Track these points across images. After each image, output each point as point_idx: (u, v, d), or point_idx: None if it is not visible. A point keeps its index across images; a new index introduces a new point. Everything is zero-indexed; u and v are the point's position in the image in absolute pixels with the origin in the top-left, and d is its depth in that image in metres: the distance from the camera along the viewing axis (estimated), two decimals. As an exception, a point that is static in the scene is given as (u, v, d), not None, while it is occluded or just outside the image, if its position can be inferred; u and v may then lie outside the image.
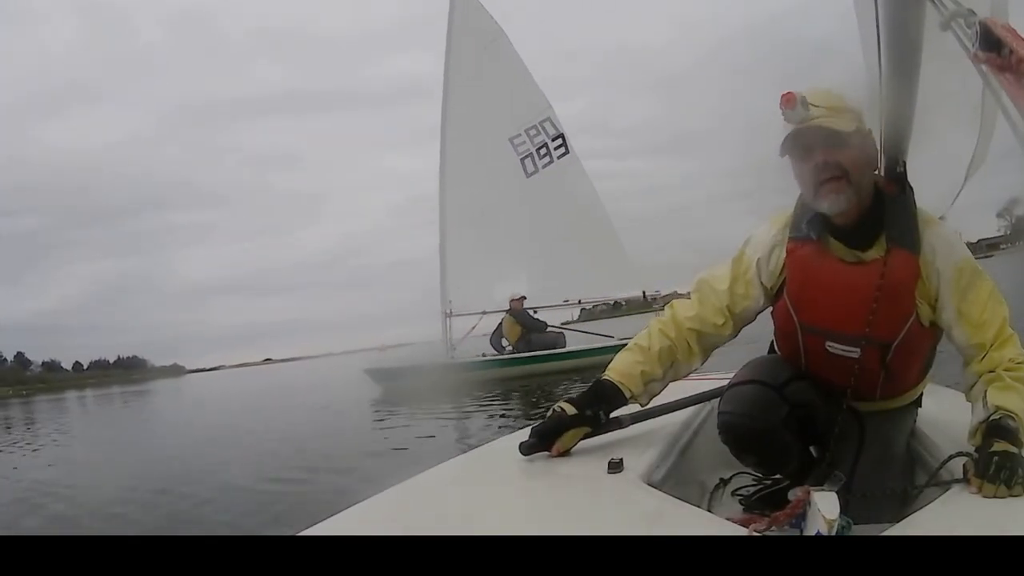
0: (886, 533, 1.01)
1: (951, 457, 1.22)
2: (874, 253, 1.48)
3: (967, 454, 1.20)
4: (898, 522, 1.08)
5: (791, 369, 1.60)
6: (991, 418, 1.28)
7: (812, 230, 1.52)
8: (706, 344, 1.66)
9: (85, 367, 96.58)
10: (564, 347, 12.37)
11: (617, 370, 1.61)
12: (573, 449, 1.52)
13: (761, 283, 1.61)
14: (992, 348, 1.40)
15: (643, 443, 1.58)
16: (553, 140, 14.22)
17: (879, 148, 1.55)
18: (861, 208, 1.47)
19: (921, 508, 1.11)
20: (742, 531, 1.03)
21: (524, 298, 12.65)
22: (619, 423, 1.63)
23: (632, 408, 1.67)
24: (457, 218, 14.08)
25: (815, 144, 1.42)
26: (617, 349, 1.69)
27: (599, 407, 1.56)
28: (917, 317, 1.47)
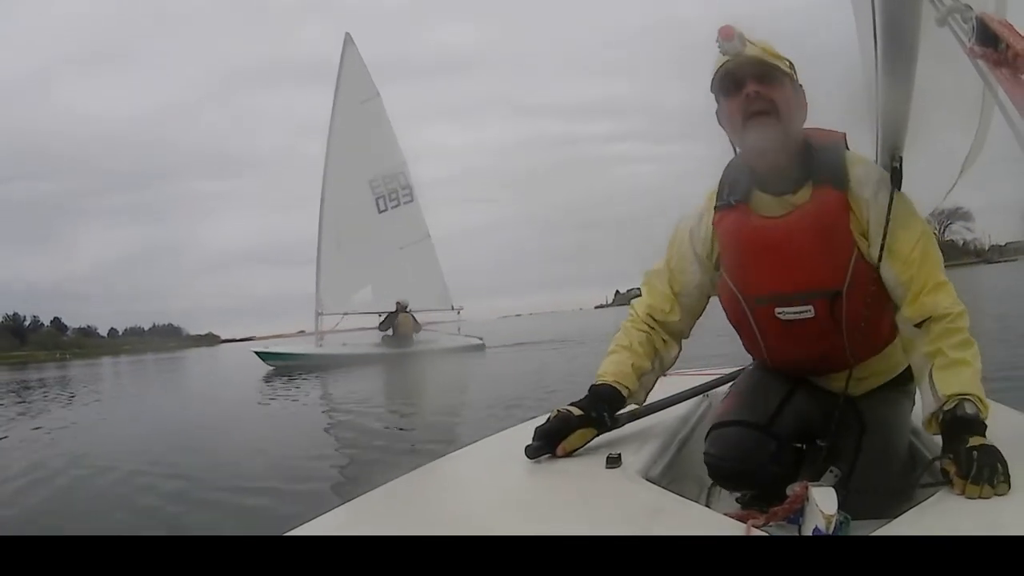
0: (880, 531, 1.01)
1: (940, 458, 1.20)
2: (801, 197, 1.45)
3: (948, 456, 1.16)
4: (894, 518, 1.08)
5: (778, 391, 1.57)
6: (946, 409, 1.25)
7: (734, 195, 1.50)
8: (671, 331, 1.65)
9: (120, 333, 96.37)
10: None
11: (609, 372, 1.59)
12: None
13: (695, 254, 1.58)
14: (924, 293, 1.38)
15: (641, 438, 1.58)
16: (403, 189, 19.33)
17: (876, 142, 1.55)
18: (788, 154, 1.44)
19: (918, 504, 1.11)
20: (740, 526, 1.03)
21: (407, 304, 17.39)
22: (616, 422, 1.62)
23: (629, 406, 1.67)
24: (329, 235, 18.67)
25: (747, 76, 1.40)
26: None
27: (603, 408, 1.54)
28: (860, 255, 1.43)
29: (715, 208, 1.53)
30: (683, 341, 1.69)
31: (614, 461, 1.37)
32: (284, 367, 15.57)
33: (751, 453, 1.46)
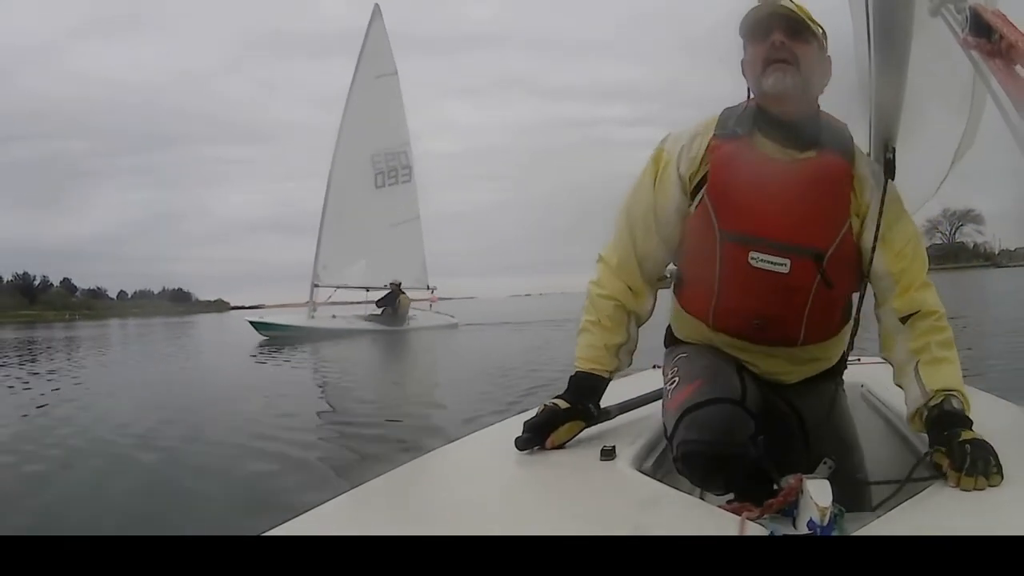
0: (876, 523, 1.02)
1: (932, 451, 1.20)
2: (807, 155, 1.41)
3: (940, 449, 1.16)
4: (882, 511, 1.08)
5: (734, 370, 1.47)
6: (934, 403, 1.26)
7: (740, 126, 1.44)
8: (646, 271, 1.54)
9: (130, 296, 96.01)
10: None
11: (583, 358, 1.55)
12: None
13: (679, 174, 1.47)
14: (914, 288, 1.38)
15: (635, 431, 1.58)
16: (403, 168, 20.05)
17: (868, 132, 1.55)
18: (802, 109, 1.42)
19: (911, 497, 1.11)
20: (734, 519, 1.03)
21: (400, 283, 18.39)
22: (607, 414, 1.61)
23: (621, 397, 1.67)
24: (332, 208, 19.18)
25: (776, 25, 1.38)
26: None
27: (587, 399, 1.53)
28: (850, 231, 1.40)
29: (715, 134, 1.47)
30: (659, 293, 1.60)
31: (608, 453, 1.37)
32: (279, 338, 15.89)
33: (735, 432, 1.31)
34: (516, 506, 1.23)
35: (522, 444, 1.45)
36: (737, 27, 1.44)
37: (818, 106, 1.47)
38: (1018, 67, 0.91)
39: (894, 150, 1.54)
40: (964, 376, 1.33)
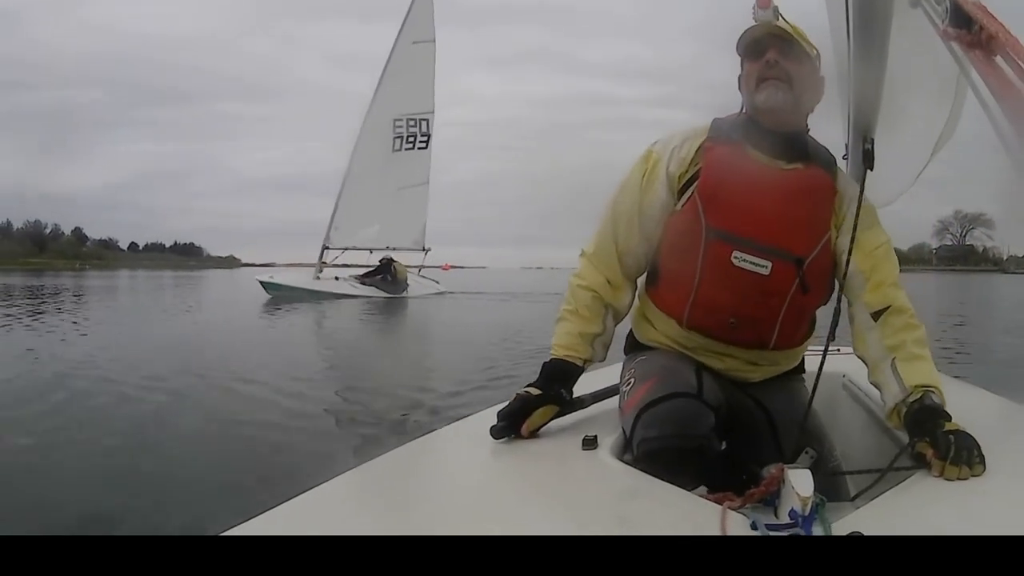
0: (860, 512, 1.02)
1: (915, 441, 1.20)
2: (795, 166, 1.47)
3: (925, 439, 1.17)
4: (862, 501, 1.09)
5: (691, 369, 1.51)
6: (913, 399, 1.29)
7: (732, 133, 1.50)
8: (625, 265, 1.58)
9: (140, 248, 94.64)
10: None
11: (559, 345, 1.57)
12: (547, 428, 1.51)
13: (667, 173, 1.51)
14: (886, 285, 1.42)
15: (617, 419, 1.58)
16: (422, 135, 20.38)
17: (847, 123, 1.56)
18: (792, 124, 1.48)
19: (893, 487, 1.12)
20: (716, 508, 1.04)
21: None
22: (582, 402, 1.61)
23: (599, 385, 1.67)
24: (354, 170, 19.91)
25: (770, 44, 1.45)
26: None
27: (559, 385, 1.53)
28: (829, 242, 1.46)
29: (708, 137, 1.52)
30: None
31: (590, 443, 1.37)
32: (284, 297, 16.62)
33: (694, 424, 1.35)
34: (497, 496, 1.22)
35: (497, 432, 1.45)
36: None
37: (807, 125, 1.53)
38: (998, 58, 0.92)
39: (873, 141, 1.55)
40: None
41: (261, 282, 18.06)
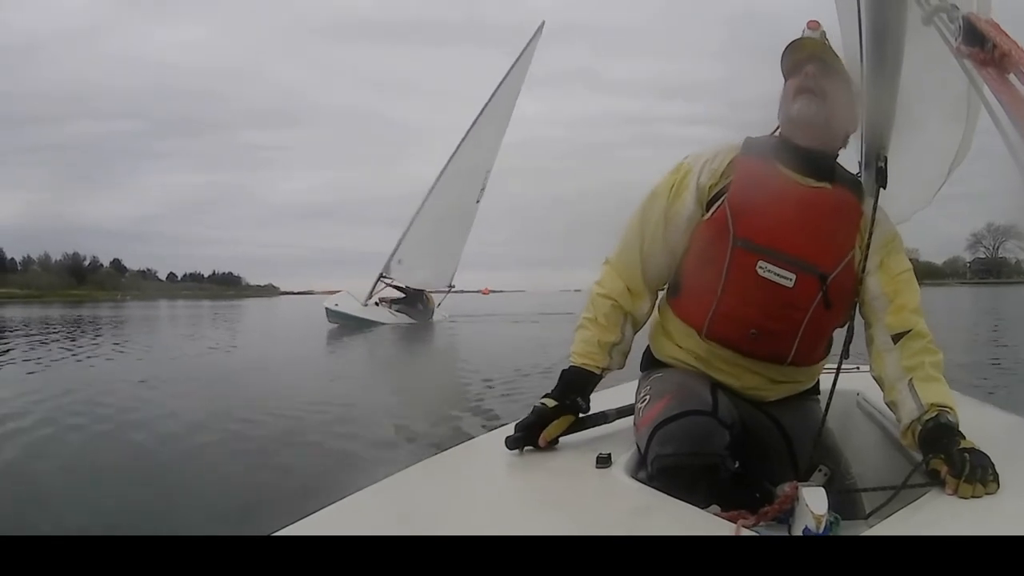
0: (872, 531, 1.01)
1: (930, 458, 1.20)
2: (823, 184, 1.48)
3: (940, 456, 1.17)
4: (876, 519, 1.08)
5: (706, 387, 1.50)
6: (928, 417, 1.28)
7: (766, 149, 1.52)
8: (647, 274, 1.59)
9: (180, 278, 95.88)
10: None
11: (577, 352, 1.59)
12: (561, 444, 1.51)
13: (697, 184, 1.52)
14: (908, 309, 1.43)
15: (632, 438, 1.58)
16: (482, 188, 21.82)
17: (860, 142, 1.56)
18: (823, 141, 1.48)
19: (907, 505, 1.11)
20: (730, 526, 1.03)
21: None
22: (604, 417, 1.62)
23: (620, 401, 1.66)
24: (430, 207, 21.12)
25: (808, 60, 1.46)
26: None
27: (575, 394, 1.54)
28: (852, 261, 1.47)
29: (740, 153, 1.54)
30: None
31: (604, 460, 1.37)
32: (345, 326, 17.98)
33: (708, 442, 1.34)
34: (510, 512, 1.22)
35: (512, 443, 1.46)
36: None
37: (838, 152, 1.53)
38: (1011, 76, 0.92)
39: (886, 159, 1.55)
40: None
41: (328, 309, 19.19)
